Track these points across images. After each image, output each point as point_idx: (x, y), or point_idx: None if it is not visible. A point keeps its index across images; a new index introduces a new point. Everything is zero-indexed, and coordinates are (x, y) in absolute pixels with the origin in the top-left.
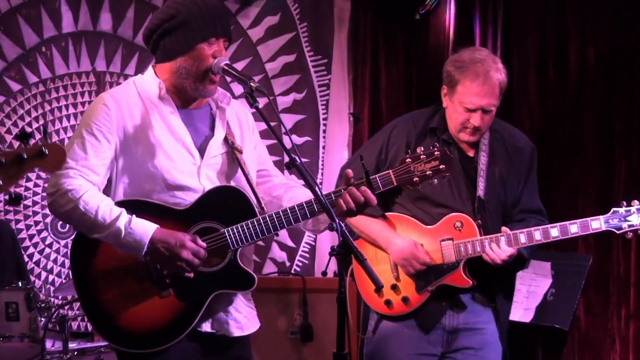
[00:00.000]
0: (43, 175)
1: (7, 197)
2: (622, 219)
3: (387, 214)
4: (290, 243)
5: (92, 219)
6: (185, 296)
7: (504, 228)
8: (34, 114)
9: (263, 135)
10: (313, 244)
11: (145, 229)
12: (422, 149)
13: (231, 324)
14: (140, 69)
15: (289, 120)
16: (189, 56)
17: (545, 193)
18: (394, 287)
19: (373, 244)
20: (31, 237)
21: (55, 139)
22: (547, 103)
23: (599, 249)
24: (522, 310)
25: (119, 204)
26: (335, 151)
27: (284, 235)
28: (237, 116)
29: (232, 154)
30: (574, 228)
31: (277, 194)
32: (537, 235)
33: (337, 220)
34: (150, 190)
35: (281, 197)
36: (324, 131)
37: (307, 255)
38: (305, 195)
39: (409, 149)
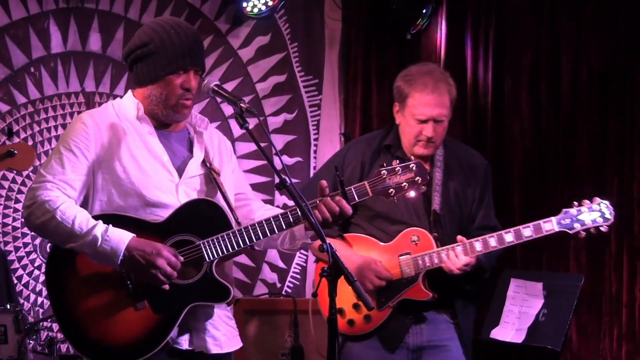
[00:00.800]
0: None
1: None
2: (574, 218)
3: (345, 234)
4: (281, 264)
5: (68, 229)
6: (160, 309)
7: (459, 237)
8: (22, 135)
9: (253, 155)
10: (304, 265)
11: (121, 237)
12: (398, 161)
13: (209, 341)
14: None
15: (279, 140)
16: (158, 85)
17: (537, 211)
18: (356, 306)
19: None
20: (20, 259)
21: (44, 159)
22: (539, 122)
23: (591, 269)
24: (513, 331)
25: (96, 217)
26: None
27: (274, 256)
28: (214, 141)
29: (210, 174)
30: (527, 232)
31: (256, 216)
32: (492, 241)
33: (327, 242)
34: (128, 207)
35: (260, 217)
36: (315, 152)
37: (298, 277)
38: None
39: (363, 168)
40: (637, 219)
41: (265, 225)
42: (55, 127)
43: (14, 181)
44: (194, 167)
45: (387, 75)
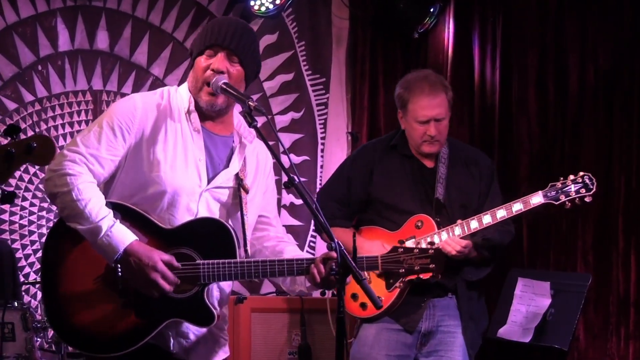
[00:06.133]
0: (39, 194)
1: None
2: (559, 190)
3: (360, 227)
4: None
5: (78, 210)
6: (143, 313)
7: (459, 220)
8: (30, 133)
9: None
10: None
11: (124, 237)
12: (419, 242)
13: (192, 352)
14: (136, 88)
15: (287, 139)
16: (193, 70)
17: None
18: None
19: None
20: (27, 256)
21: None
22: (547, 122)
23: (598, 269)
24: (521, 330)
25: (111, 205)
26: (334, 170)
27: None
28: (257, 157)
29: (238, 190)
30: (517, 206)
31: (267, 245)
32: (486, 218)
33: (335, 240)
34: (147, 197)
35: (270, 248)
36: (322, 150)
37: None
38: (291, 253)
39: (371, 176)
40: None
41: (268, 266)
42: (63, 125)
43: (20, 179)
44: (224, 178)
45: (394, 74)
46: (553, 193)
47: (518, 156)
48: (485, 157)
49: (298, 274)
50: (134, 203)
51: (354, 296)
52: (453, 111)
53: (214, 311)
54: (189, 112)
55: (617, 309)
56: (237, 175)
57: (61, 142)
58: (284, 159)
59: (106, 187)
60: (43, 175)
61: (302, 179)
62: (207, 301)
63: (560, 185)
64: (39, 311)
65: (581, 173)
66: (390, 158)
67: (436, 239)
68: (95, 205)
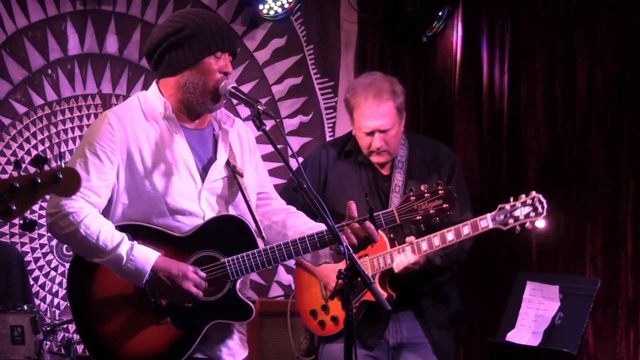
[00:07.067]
0: (47, 197)
1: (21, 221)
2: (508, 214)
3: None
4: None
5: (93, 244)
6: (182, 324)
7: (408, 239)
8: (39, 137)
9: (270, 157)
10: None
11: (147, 257)
12: (427, 186)
13: (224, 351)
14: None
15: (295, 142)
16: (196, 70)
17: (553, 214)
18: (324, 308)
19: (305, 269)
20: (36, 260)
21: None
22: (555, 126)
23: (607, 273)
24: (529, 334)
25: (120, 228)
26: None
27: None
28: (239, 137)
29: (234, 177)
30: (465, 229)
31: (276, 219)
32: (436, 240)
33: (344, 244)
34: (150, 212)
35: (281, 223)
36: None
37: None
38: (307, 225)
39: (325, 183)
40: None
41: (291, 247)
42: (72, 129)
43: None
44: (218, 171)
45: (402, 78)
46: (502, 217)
47: (526, 160)
48: (444, 150)
49: (322, 247)
50: (139, 219)
51: (313, 313)
52: (461, 114)
53: (251, 305)
54: (165, 117)
55: (626, 312)
56: (227, 163)
57: (70, 145)
58: (293, 162)
59: (105, 212)
60: None
61: None
62: (241, 296)
63: (509, 208)
64: (48, 314)
65: (533, 193)
66: (344, 164)
67: (388, 260)
68: (107, 235)
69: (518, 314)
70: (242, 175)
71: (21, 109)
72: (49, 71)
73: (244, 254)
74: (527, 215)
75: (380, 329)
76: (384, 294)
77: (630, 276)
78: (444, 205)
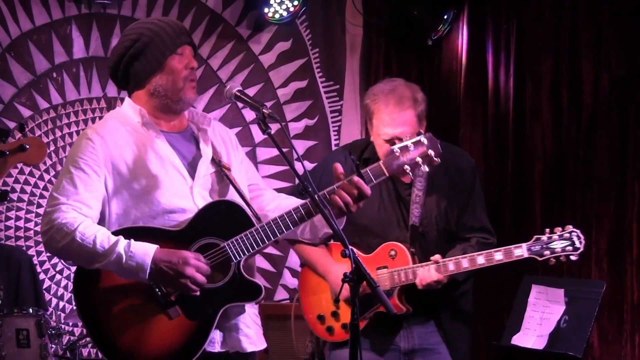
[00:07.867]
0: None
1: None
2: (544, 245)
3: (330, 243)
4: None
5: (90, 249)
6: (194, 315)
7: (434, 257)
8: (45, 140)
9: (275, 161)
10: None
11: (145, 250)
12: (408, 136)
13: (243, 340)
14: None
15: (300, 146)
16: (162, 73)
17: (558, 217)
18: (334, 314)
19: (315, 272)
20: (42, 263)
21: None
22: (560, 128)
23: (612, 276)
24: (535, 337)
25: (116, 233)
26: None
27: (295, 261)
28: (220, 135)
29: (221, 172)
30: (498, 255)
31: (271, 207)
32: (465, 263)
33: (349, 247)
34: (145, 216)
35: (275, 209)
36: None
37: None
38: (298, 202)
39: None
40: None
41: (286, 217)
42: (77, 132)
43: (35, 186)
44: (205, 167)
45: (408, 81)
46: (537, 248)
47: (532, 164)
48: (468, 161)
49: (316, 214)
50: (134, 223)
51: (321, 318)
52: (466, 118)
53: (259, 283)
54: (143, 125)
55: (631, 315)
56: (212, 159)
57: None
58: (298, 166)
59: (100, 224)
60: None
61: None
62: (247, 276)
63: (545, 240)
64: (54, 317)
65: (569, 227)
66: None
67: (410, 276)
68: (103, 238)
69: (523, 317)
70: (229, 169)
71: (26, 112)
72: (54, 75)
73: (242, 234)
74: (563, 249)
75: (392, 335)
76: (402, 309)
77: (635, 279)
78: (429, 152)
